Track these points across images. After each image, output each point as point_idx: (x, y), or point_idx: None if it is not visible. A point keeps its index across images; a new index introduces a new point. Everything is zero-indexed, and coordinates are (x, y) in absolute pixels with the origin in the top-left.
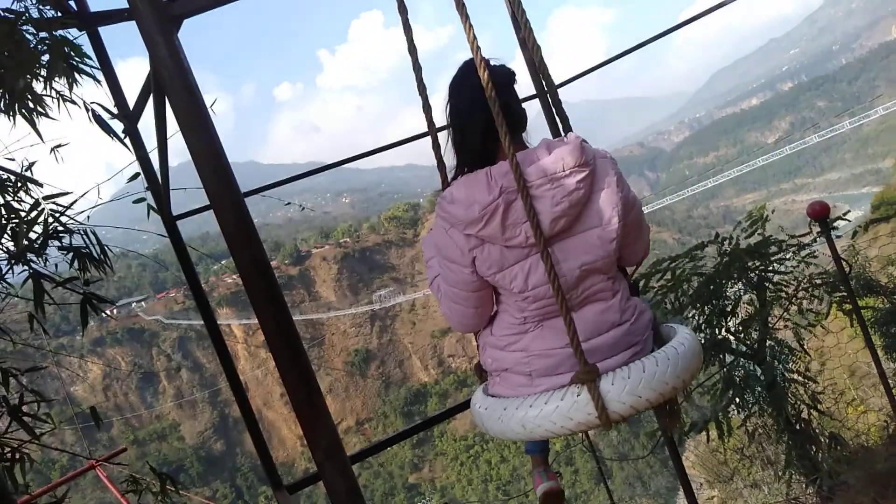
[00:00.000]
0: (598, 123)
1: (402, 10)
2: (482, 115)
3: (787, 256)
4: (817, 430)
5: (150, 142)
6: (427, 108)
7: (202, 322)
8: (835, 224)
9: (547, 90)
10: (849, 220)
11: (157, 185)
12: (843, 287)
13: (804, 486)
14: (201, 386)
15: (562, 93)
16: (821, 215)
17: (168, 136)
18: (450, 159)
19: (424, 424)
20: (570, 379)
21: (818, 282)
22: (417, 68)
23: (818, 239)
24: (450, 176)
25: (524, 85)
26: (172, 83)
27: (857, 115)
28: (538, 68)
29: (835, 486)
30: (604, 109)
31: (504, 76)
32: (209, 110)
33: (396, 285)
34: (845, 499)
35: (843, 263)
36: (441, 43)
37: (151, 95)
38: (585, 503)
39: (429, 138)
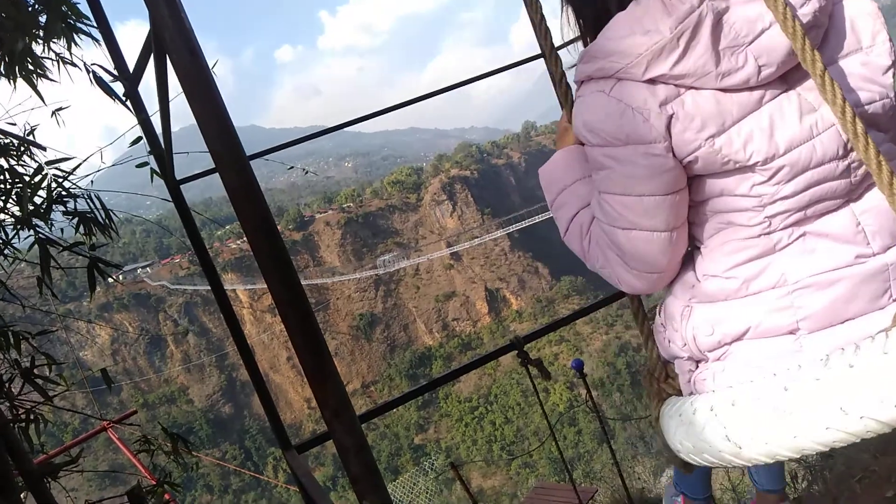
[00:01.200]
0: None
1: None
2: None
3: None
4: None
5: (151, 105)
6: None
7: (208, 287)
8: None
9: None
10: None
11: (160, 149)
12: None
13: None
14: (208, 350)
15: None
16: None
17: (170, 98)
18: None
19: (430, 385)
20: None
21: None
22: None
23: None
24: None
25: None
26: (173, 43)
27: None
28: None
29: None
30: None
31: None
32: (211, 71)
33: (400, 250)
34: (845, 454)
35: None
36: (444, 2)
37: (152, 56)
38: (588, 462)
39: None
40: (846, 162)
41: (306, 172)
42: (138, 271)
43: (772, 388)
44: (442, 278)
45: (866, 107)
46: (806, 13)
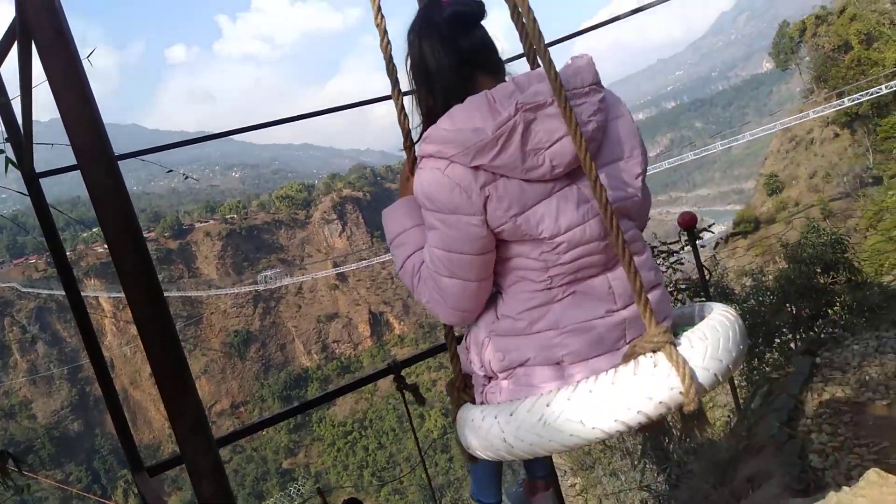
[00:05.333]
0: None
1: None
2: (456, 53)
3: (658, 262)
4: (670, 424)
5: (15, 90)
6: (387, 49)
7: (64, 292)
8: (700, 234)
9: (535, 49)
10: (713, 233)
11: (19, 137)
12: (702, 293)
13: (655, 474)
14: (60, 361)
15: None
16: (689, 224)
17: (35, 83)
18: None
19: (302, 407)
20: (632, 347)
21: (683, 286)
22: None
23: (685, 247)
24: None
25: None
26: (39, 21)
27: (728, 138)
28: (526, 24)
29: (681, 474)
30: None
31: (476, 5)
32: (86, 61)
33: (284, 267)
34: (689, 485)
35: (705, 271)
36: (349, 23)
37: (17, 36)
38: (457, 490)
39: (320, 119)
40: (605, 242)
41: (186, 178)
42: None
43: (539, 404)
44: (325, 299)
45: (622, 202)
46: (587, 131)
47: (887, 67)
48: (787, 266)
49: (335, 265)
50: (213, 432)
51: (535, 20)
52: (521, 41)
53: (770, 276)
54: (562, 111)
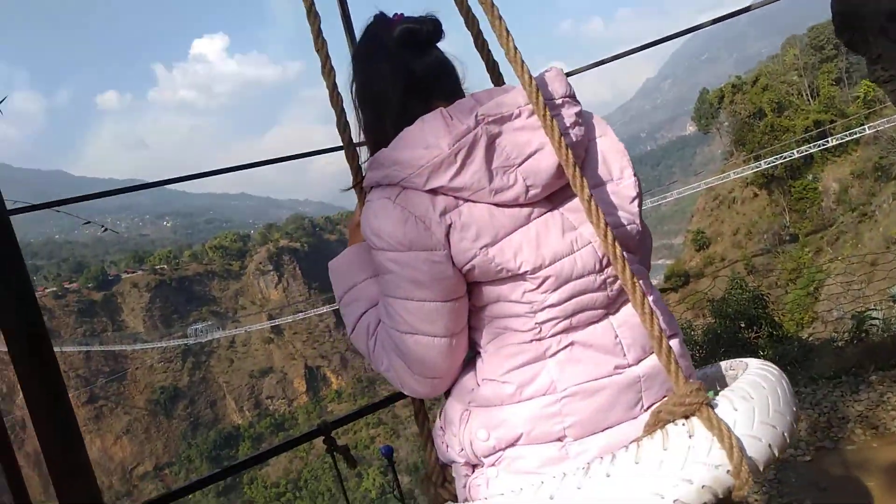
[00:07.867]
0: None
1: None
2: (407, 77)
3: None
4: None
5: None
6: (332, 87)
7: None
8: None
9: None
10: None
11: None
12: None
13: None
14: None
15: None
16: None
17: None
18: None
19: (231, 469)
20: (656, 414)
21: None
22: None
23: None
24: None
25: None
26: None
27: (657, 195)
28: (492, 23)
29: None
30: None
31: (431, 23)
32: None
33: (216, 319)
34: None
35: None
36: (288, 76)
37: None
38: None
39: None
40: (603, 276)
41: (104, 230)
42: None
43: (539, 498)
44: (259, 353)
45: (619, 229)
46: (569, 142)
47: (797, 134)
48: (713, 321)
49: (270, 318)
50: (135, 497)
51: (500, 17)
52: (477, 48)
53: (699, 330)
54: (541, 119)
